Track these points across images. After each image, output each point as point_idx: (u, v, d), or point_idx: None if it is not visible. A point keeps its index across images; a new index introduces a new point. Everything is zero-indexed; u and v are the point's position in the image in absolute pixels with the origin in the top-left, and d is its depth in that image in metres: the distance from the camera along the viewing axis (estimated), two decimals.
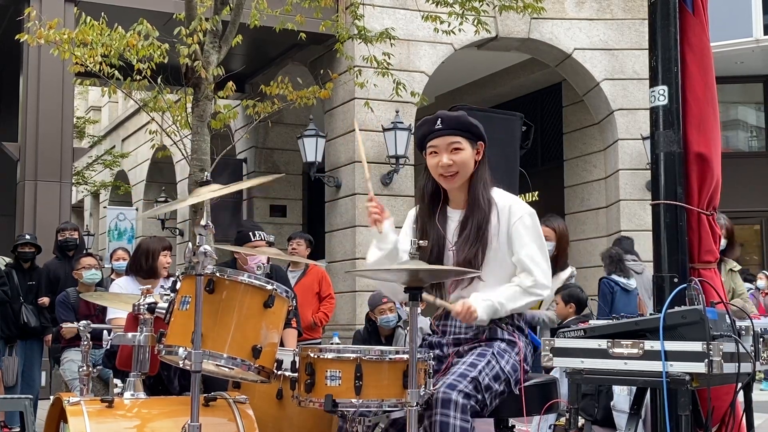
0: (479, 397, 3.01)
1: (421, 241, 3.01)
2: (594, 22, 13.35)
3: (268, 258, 5.81)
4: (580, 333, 3.14)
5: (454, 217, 3.38)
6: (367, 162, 3.60)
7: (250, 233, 5.24)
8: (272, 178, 3.12)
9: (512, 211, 3.29)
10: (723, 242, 5.58)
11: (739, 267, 5.93)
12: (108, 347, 4.40)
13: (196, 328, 2.89)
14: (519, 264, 3.27)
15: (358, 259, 12.01)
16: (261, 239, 5.23)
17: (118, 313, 4.77)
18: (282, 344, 4.90)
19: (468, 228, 3.28)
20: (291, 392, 3.12)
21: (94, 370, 3.53)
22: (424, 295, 3.10)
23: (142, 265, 5.18)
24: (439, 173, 3.34)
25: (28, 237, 8.45)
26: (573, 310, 6.33)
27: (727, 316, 3.00)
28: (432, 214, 3.40)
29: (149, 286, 3.60)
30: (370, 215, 3.41)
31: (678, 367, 2.86)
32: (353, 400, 2.90)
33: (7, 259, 8.41)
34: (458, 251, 3.28)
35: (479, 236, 3.25)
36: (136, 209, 19.77)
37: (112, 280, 7.35)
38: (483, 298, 3.20)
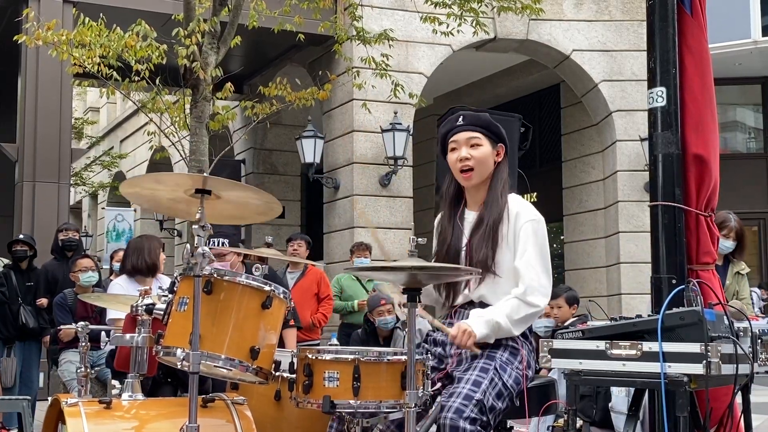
0: (484, 419, 3.02)
1: (419, 239, 3.00)
2: (592, 24, 13.36)
3: (267, 259, 5.80)
4: (578, 334, 3.14)
5: (470, 218, 3.39)
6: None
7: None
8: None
9: (519, 216, 3.29)
10: (731, 243, 5.58)
11: (747, 270, 5.84)
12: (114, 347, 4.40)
13: (194, 329, 2.88)
14: (518, 271, 3.25)
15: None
16: (219, 246, 5.06)
17: (119, 314, 4.76)
18: (282, 344, 4.90)
19: (482, 227, 3.29)
20: (289, 393, 3.11)
21: (92, 371, 3.53)
22: (420, 312, 3.07)
23: (146, 261, 5.21)
24: (458, 168, 3.35)
25: (22, 236, 8.44)
26: (575, 311, 6.38)
27: (725, 317, 3.01)
28: (452, 217, 3.41)
29: (148, 287, 3.60)
30: None
31: (676, 369, 2.86)
32: (351, 402, 2.89)
33: (6, 260, 8.40)
34: (474, 251, 3.28)
35: (493, 237, 3.25)
36: (135, 210, 19.75)
37: (111, 281, 7.33)
38: (479, 315, 3.18)
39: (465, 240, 3.33)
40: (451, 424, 2.95)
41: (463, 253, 3.32)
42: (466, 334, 3.11)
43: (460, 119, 3.39)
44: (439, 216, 3.56)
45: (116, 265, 8.45)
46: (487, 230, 3.27)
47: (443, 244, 3.36)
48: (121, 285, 5.26)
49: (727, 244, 5.54)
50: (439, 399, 3.09)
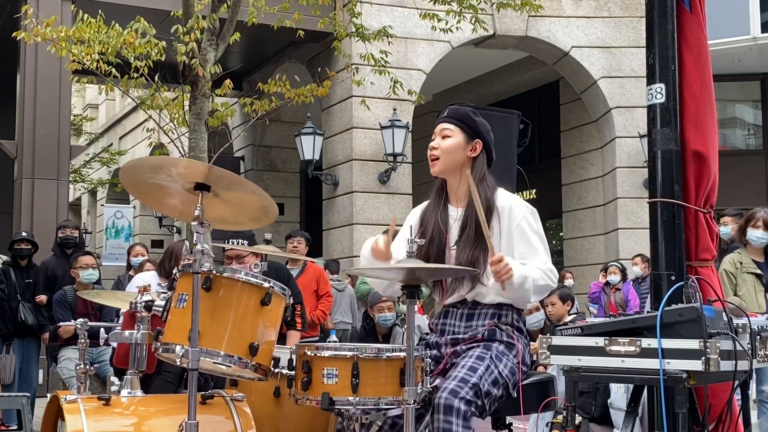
0: (479, 402, 3.03)
1: (419, 240, 3.01)
2: (591, 20, 13.36)
3: (266, 256, 5.80)
4: (577, 331, 3.14)
5: (454, 215, 3.39)
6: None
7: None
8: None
9: (513, 213, 3.29)
10: (762, 233, 5.59)
11: None
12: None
13: (193, 326, 2.88)
14: (531, 260, 3.26)
15: (355, 257, 12.01)
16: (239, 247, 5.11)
17: None
18: (282, 343, 4.90)
19: (468, 228, 3.29)
20: (288, 390, 3.12)
21: (92, 368, 3.53)
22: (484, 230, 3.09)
23: (165, 266, 5.27)
24: (428, 157, 3.42)
25: (24, 234, 8.44)
26: (570, 308, 6.39)
27: (724, 313, 3.01)
28: (435, 211, 3.42)
29: (148, 284, 3.60)
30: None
31: (675, 365, 2.86)
32: (350, 398, 2.89)
33: (5, 257, 8.39)
34: (460, 252, 3.28)
35: (480, 238, 3.25)
36: (134, 207, 19.75)
37: (131, 276, 7.33)
38: (521, 263, 3.18)
39: (452, 238, 3.33)
40: (446, 404, 2.95)
41: (452, 253, 3.32)
42: (507, 270, 3.10)
43: (444, 112, 3.45)
44: (418, 207, 3.56)
45: (134, 260, 8.47)
46: (473, 230, 3.27)
47: (426, 239, 3.35)
48: (144, 280, 5.28)
49: (757, 234, 5.59)
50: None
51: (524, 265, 3.20)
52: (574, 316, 6.51)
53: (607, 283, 10.88)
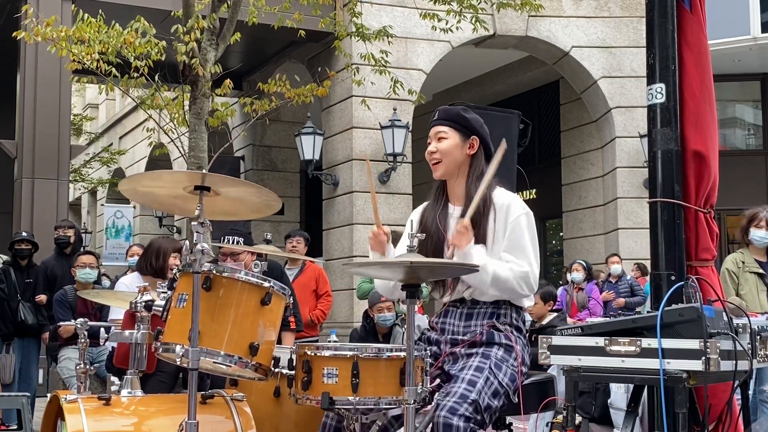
0: (479, 418, 3.02)
1: (419, 235, 3.00)
2: (591, 20, 13.36)
3: (266, 255, 5.80)
4: (577, 330, 3.15)
5: (454, 213, 3.39)
6: (365, 159, 3.64)
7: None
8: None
9: (510, 211, 3.29)
10: (764, 233, 5.60)
11: None
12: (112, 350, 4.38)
13: (193, 326, 2.88)
14: (514, 259, 3.25)
15: (355, 256, 12.01)
16: (233, 245, 5.10)
17: (121, 314, 4.74)
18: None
19: None
20: (288, 390, 3.11)
21: (92, 368, 3.53)
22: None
23: (152, 263, 5.13)
24: (429, 162, 3.43)
25: (24, 234, 8.44)
26: (551, 307, 6.42)
27: (724, 313, 3.01)
28: (433, 211, 3.43)
29: (147, 284, 3.60)
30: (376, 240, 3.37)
31: (675, 365, 2.86)
32: (350, 398, 2.90)
33: (5, 257, 8.39)
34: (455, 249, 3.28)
35: (476, 234, 3.25)
36: (134, 207, 19.74)
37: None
38: (480, 249, 3.18)
39: (448, 236, 3.34)
40: (444, 422, 2.95)
41: (447, 250, 3.32)
42: (465, 236, 3.13)
43: (435, 115, 3.47)
44: (413, 214, 3.57)
45: (131, 260, 8.45)
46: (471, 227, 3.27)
47: (425, 237, 3.35)
48: (126, 284, 5.23)
49: (760, 233, 5.60)
50: (436, 396, 3.09)
51: (497, 261, 3.19)
52: (554, 316, 6.51)
53: (571, 282, 10.73)
